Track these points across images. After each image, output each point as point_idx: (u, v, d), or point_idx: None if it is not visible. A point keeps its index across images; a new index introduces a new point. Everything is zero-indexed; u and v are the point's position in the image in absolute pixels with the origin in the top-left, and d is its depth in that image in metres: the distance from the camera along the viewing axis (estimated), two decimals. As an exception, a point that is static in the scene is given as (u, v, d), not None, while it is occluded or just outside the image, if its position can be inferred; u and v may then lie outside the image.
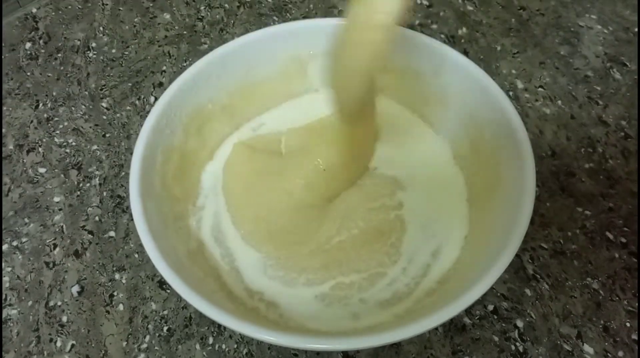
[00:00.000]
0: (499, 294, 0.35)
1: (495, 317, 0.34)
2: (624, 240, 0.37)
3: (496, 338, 0.34)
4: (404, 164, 0.38)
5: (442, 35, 0.49)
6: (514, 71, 0.46)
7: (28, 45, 0.51)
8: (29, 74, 0.49)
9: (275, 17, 0.51)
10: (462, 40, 0.48)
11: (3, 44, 0.51)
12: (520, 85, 0.45)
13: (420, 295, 0.32)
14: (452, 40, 0.48)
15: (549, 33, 0.49)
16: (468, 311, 0.35)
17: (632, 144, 0.41)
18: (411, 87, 0.39)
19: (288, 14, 0.52)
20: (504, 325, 0.34)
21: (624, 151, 0.41)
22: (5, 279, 0.37)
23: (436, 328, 0.34)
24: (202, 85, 0.37)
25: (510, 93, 0.44)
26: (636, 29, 0.49)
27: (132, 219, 0.30)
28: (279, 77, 0.40)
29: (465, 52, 0.47)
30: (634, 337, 0.33)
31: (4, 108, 0.46)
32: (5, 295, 0.37)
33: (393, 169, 0.38)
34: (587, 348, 0.33)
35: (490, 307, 0.35)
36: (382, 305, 0.32)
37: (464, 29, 0.49)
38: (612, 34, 0.48)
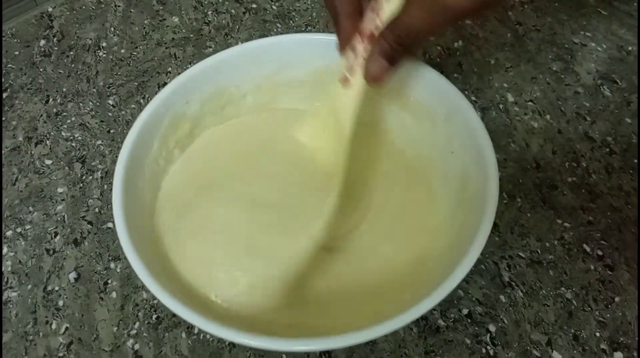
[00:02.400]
0: (474, 299, 0.37)
1: (469, 321, 0.36)
2: (600, 253, 0.38)
3: (468, 341, 0.35)
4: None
5: (439, 48, 0.50)
6: (505, 85, 0.47)
7: (42, 42, 0.53)
8: (41, 70, 0.51)
9: (278, 24, 0.53)
10: (458, 53, 0.50)
11: (18, 41, 0.53)
12: (510, 98, 0.46)
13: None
14: (447, 53, 0.50)
15: (543, 49, 0.50)
16: (443, 313, 0.36)
17: (616, 160, 0.42)
18: (423, 126, 0.39)
19: (291, 22, 0.54)
20: (476, 328, 0.35)
21: (608, 166, 0.42)
22: (8, 263, 0.39)
23: (411, 328, 0.35)
24: (229, 70, 0.39)
25: (501, 106, 0.46)
26: (630, 48, 0.50)
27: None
28: (307, 81, 0.42)
29: (460, 65, 0.49)
30: (603, 346, 0.35)
31: (16, 101, 0.49)
32: (7, 278, 0.39)
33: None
34: (555, 355, 0.34)
35: (465, 311, 0.36)
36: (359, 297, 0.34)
37: (460, 42, 0.51)
38: (606, 52, 0.50)
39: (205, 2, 0.56)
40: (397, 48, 0.31)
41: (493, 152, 0.33)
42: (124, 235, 0.30)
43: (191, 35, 0.53)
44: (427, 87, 0.38)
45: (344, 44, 0.34)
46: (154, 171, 0.37)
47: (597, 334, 0.35)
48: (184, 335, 0.36)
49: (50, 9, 0.56)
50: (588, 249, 0.38)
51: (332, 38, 0.40)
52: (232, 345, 0.35)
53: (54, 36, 0.54)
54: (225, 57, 0.39)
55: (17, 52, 0.53)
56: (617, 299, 0.36)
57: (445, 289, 0.28)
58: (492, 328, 0.35)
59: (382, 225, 0.37)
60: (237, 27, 0.54)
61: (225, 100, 0.40)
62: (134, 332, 0.36)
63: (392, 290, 0.33)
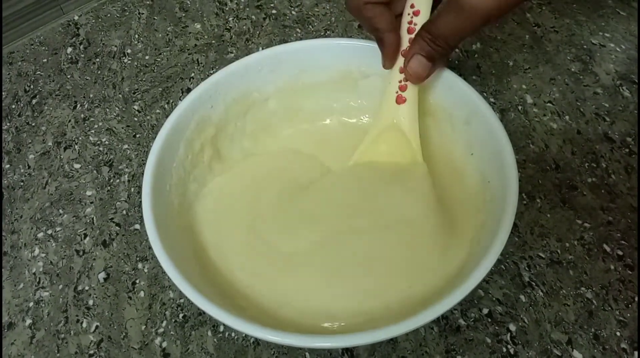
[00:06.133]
0: (494, 299, 0.37)
1: (490, 320, 0.36)
2: (620, 253, 0.38)
3: (489, 340, 0.35)
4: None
5: (457, 50, 0.51)
6: (524, 86, 0.48)
7: (69, 50, 0.55)
8: (69, 76, 0.53)
9: (298, 29, 0.54)
10: (476, 55, 0.50)
11: (46, 48, 0.55)
12: (529, 100, 0.47)
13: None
14: (465, 55, 0.50)
15: (562, 50, 0.50)
16: (463, 313, 0.36)
17: (636, 160, 0.43)
18: (443, 129, 0.40)
19: (310, 26, 0.55)
20: (497, 328, 0.36)
21: (627, 167, 0.42)
22: (40, 264, 0.41)
23: (432, 328, 0.36)
24: (252, 75, 0.41)
25: (519, 107, 0.46)
26: (649, 48, 0.50)
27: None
28: (329, 86, 0.43)
29: (478, 67, 0.49)
30: (623, 345, 0.35)
31: (45, 107, 0.50)
32: (39, 278, 0.40)
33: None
34: (576, 354, 0.35)
35: (485, 311, 0.37)
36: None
37: (478, 44, 0.51)
38: (624, 53, 0.50)
39: (227, 9, 0.57)
40: (435, 47, 0.33)
41: (513, 153, 0.33)
42: (154, 234, 0.31)
43: (213, 42, 0.54)
44: (447, 90, 0.38)
45: (391, 59, 0.37)
46: (180, 175, 0.38)
47: (618, 333, 0.35)
48: (209, 333, 0.37)
49: (76, 17, 0.58)
50: (608, 249, 0.39)
51: (351, 42, 0.41)
52: (257, 342, 0.36)
53: (80, 43, 0.56)
54: (248, 63, 0.40)
55: (45, 60, 0.54)
56: (637, 298, 0.36)
57: (466, 289, 0.28)
58: (512, 327, 0.36)
59: (402, 227, 0.37)
60: (258, 32, 0.55)
61: (248, 104, 0.41)
62: (161, 330, 0.37)
63: (414, 289, 0.34)
